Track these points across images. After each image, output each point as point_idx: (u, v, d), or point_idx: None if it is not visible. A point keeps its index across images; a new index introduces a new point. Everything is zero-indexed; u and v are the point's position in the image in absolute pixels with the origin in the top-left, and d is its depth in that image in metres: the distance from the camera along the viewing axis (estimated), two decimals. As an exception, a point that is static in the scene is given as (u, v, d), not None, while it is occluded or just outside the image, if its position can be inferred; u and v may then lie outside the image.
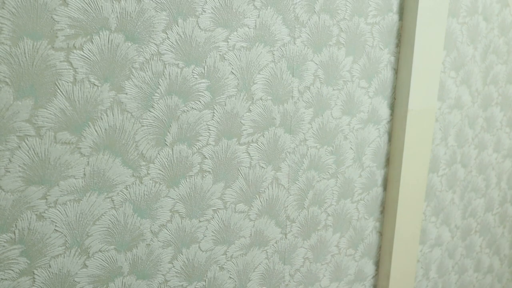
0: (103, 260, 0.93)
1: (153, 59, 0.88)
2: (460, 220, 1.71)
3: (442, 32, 1.29)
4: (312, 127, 1.16)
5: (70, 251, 0.89)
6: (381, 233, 1.40)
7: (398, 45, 1.25)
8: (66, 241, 0.88)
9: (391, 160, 1.35)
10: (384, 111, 1.28)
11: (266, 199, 1.13)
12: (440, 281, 1.68)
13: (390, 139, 1.33)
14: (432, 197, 1.55)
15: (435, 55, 1.29)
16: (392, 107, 1.30)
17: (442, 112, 1.45)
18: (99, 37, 0.82)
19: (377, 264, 1.43)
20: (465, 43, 1.42)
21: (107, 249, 0.93)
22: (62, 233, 0.87)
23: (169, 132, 0.94)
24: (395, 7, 1.21)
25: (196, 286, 1.08)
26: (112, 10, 0.82)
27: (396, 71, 1.27)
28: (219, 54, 0.96)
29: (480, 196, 1.75)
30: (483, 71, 1.52)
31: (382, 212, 1.39)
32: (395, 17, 1.22)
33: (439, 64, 1.31)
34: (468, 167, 1.64)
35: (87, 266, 0.92)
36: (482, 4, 1.42)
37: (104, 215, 0.91)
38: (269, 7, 1.00)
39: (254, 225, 1.13)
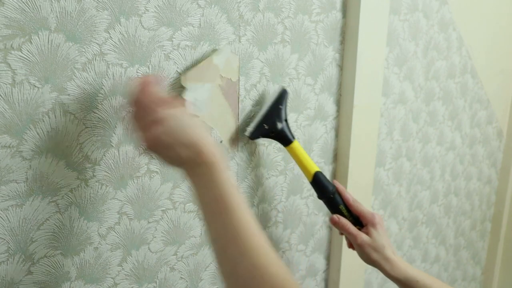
0: (49, 266, 0.91)
1: (95, 59, 0.87)
2: (407, 212, 1.76)
3: (385, 29, 1.32)
4: (260, 125, 1.16)
5: (14, 258, 0.86)
6: (331, 228, 1.43)
7: (342, 42, 1.27)
8: (9, 247, 0.85)
9: (338, 156, 1.37)
10: (330, 108, 1.30)
11: (216, 198, 1.12)
12: (389, 273, 1.71)
13: (337, 135, 1.35)
14: (379, 191, 1.59)
15: (378, 51, 1.32)
16: (338, 103, 1.32)
17: (386, 107, 1.49)
18: (38, 37, 0.80)
19: (328, 258, 1.45)
20: (407, 40, 1.46)
21: (53, 254, 0.91)
22: (4, 239, 0.84)
23: (114, 133, 0.93)
24: (338, 4, 1.23)
25: (147, 288, 1.07)
26: (51, 10, 0.80)
27: (341, 67, 1.29)
28: (164, 53, 0.95)
29: (426, 188, 1.80)
30: (425, 66, 1.57)
31: (331, 207, 1.40)
32: (338, 15, 1.24)
33: (383, 60, 1.34)
34: (413, 161, 1.68)
35: (32, 272, 0.89)
36: (422, 1, 1.46)
37: (49, 220, 0.89)
38: (213, 6, 0.99)
39: (204, 224, 1.12)
